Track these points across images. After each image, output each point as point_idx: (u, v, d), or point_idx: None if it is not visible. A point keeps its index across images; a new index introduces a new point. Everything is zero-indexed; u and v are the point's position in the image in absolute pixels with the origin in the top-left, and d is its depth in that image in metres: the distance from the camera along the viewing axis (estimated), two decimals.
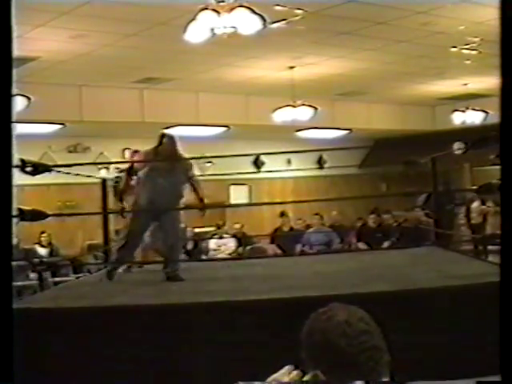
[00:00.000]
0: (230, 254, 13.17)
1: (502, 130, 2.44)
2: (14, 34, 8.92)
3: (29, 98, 10.12)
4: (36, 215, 6.11)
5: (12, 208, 2.60)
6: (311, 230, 13.28)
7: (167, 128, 14.01)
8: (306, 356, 1.97)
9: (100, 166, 12.83)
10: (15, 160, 6.06)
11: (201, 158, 11.95)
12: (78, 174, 8.06)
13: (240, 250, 13.56)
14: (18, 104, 10.04)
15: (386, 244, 11.92)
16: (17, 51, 9.90)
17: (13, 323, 2.57)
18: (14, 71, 10.18)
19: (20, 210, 5.54)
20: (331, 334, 1.93)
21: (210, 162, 14.37)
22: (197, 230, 14.79)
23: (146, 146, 14.91)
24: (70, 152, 14.35)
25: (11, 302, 2.55)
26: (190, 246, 14.02)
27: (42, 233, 13.18)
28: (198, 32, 7.38)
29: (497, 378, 2.29)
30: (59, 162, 11.09)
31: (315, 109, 12.59)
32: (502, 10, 2.42)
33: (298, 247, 12.60)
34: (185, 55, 10.35)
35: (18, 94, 9.92)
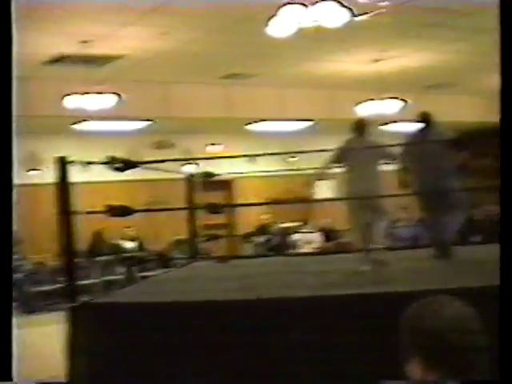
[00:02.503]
0: (316, 249, 13.12)
1: (502, 129, 2.45)
2: (103, 33, 9.06)
3: (119, 96, 10.30)
4: (124, 211, 6.21)
5: (12, 208, 2.61)
6: (400, 223, 13.10)
7: (251, 124, 14.09)
8: (408, 341, 1.97)
9: (184, 162, 12.97)
10: (104, 157, 6.18)
11: (286, 153, 11.94)
12: (164, 170, 8.15)
13: (327, 244, 13.51)
14: (108, 101, 10.24)
15: (476, 238, 11.63)
16: (105, 49, 10.12)
17: (12, 323, 2.60)
18: (103, 69, 10.42)
19: (109, 206, 5.64)
20: (442, 323, 1.92)
21: (294, 157, 14.35)
22: (285, 225, 14.82)
23: (231, 141, 15.11)
24: (157, 148, 14.56)
25: (11, 302, 2.58)
26: (276, 240, 14.05)
27: (130, 228, 13.44)
28: (283, 26, 7.34)
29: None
30: (146, 159, 11.27)
31: (404, 101, 12.39)
32: (501, 10, 2.45)
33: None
34: (270, 50, 10.33)
35: (108, 92, 10.13)
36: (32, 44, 9.38)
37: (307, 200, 13.70)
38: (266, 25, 7.46)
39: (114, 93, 10.28)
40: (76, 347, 5.70)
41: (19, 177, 10.81)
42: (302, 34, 7.50)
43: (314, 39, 9.11)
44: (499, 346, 2.30)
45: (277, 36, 7.64)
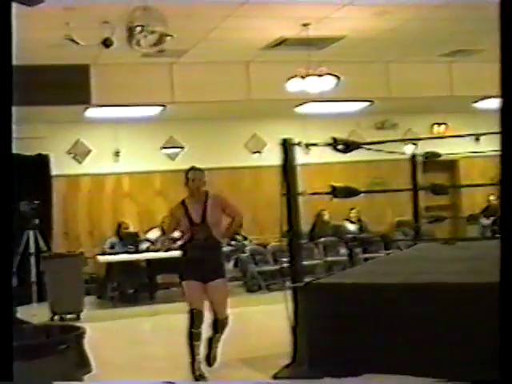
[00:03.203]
0: None
1: (502, 129, 2.42)
2: (321, 16, 9.08)
3: (338, 77, 10.31)
4: (349, 192, 6.20)
5: (12, 202, 2.56)
6: None
7: (477, 101, 13.52)
8: None
9: (406, 142, 12.73)
10: (327, 139, 6.20)
11: None
12: (386, 151, 8.04)
13: None
14: (329, 83, 10.29)
15: None
16: (324, 32, 10.14)
17: (12, 323, 2.56)
18: (323, 51, 10.47)
19: (333, 187, 5.66)
20: None
21: None
22: None
23: (455, 120, 14.62)
24: (378, 129, 14.43)
25: (11, 302, 2.55)
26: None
27: (352, 209, 13.45)
28: None
29: None
30: (367, 139, 11.21)
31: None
32: (501, 10, 2.41)
33: None
34: (494, 24, 9.83)
35: (327, 74, 10.17)
36: (253, 29, 9.65)
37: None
38: None
39: (334, 75, 10.30)
40: (300, 325, 5.79)
41: (245, 159, 11.14)
42: None
43: None
44: (499, 346, 2.27)
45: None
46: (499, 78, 2.48)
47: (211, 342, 6.23)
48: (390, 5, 8.91)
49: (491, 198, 14.26)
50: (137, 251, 11.93)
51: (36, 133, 11.87)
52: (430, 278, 5.81)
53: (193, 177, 6.14)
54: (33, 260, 10.62)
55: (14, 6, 2.54)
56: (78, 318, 9.85)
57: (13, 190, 2.51)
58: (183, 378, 6.01)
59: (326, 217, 13.44)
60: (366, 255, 12.77)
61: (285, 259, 8.15)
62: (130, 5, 7.07)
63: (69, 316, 9.92)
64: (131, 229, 12.56)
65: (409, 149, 11.17)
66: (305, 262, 6.54)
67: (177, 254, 11.87)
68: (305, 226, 10.63)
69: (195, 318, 5.95)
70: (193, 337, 5.96)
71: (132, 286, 11.95)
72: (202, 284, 6.02)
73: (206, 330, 6.12)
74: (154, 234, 12.32)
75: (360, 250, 13.07)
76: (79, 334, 3.82)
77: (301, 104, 12.22)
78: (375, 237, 13.53)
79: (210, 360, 6.21)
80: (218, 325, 6.18)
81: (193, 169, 6.26)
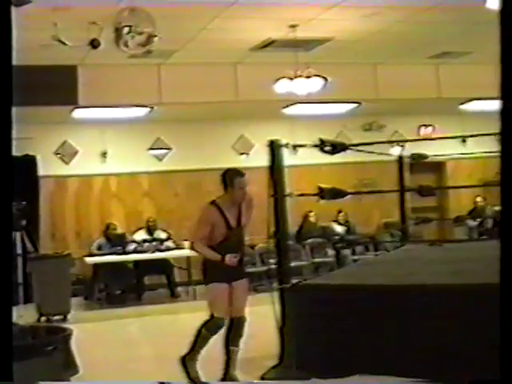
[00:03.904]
0: None
1: (502, 128, 2.41)
2: (308, 17, 9.04)
3: (325, 79, 10.33)
4: (336, 194, 6.21)
5: (11, 202, 2.56)
6: None
7: (464, 103, 13.56)
8: None
9: (393, 144, 12.77)
10: (313, 140, 6.20)
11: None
12: (373, 153, 8.06)
13: None
14: (316, 85, 10.30)
15: None
16: (312, 33, 10.16)
17: (12, 323, 2.57)
18: (310, 53, 10.48)
19: (320, 188, 5.67)
20: None
21: None
22: (499, 208, 14.17)
23: (442, 122, 14.67)
24: (366, 130, 14.46)
25: (11, 302, 2.55)
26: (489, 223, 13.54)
27: (340, 212, 13.46)
28: None
29: None
30: (355, 141, 11.23)
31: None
32: (502, 10, 2.42)
33: None
34: (481, 26, 9.87)
35: (314, 75, 10.19)
36: (241, 30, 9.65)
37: None
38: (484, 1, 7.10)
39: (322, 76, 10.32)
40: (287, 326, 5.79)
41: (232, 160, 11.13)
42: None
43: None
44: (499, 346, 2.27)
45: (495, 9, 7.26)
46: (499, 79, 2.54)
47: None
48: (378, 6, 8.94)
49: (478, 199, 14.31)
50: (124, 252, 11.91)
51: (23, 133, 11.78)
52: (417, 279, 5.83)
53: (243, 185, 5.77)
54: (19, 261, 10.58)
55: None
56: (64, 320, 9.82)
57: (12, 190, 2.51)
58: (170, 379, 5.99)
59: (314, 218, 13.45)
60: (355, 257, 12.81)
61: (272, 260, 8.16)
62: (117, 5, 7.06)
63: (56, 317, 9.89)
64: (119, 230, 12.54)
65: (396, 150, 11.20)
66: (292, 264, 6.54)
67: (163, 255, 12.01)
68: (292, 227, 10.66)
69: (219, 326, 5.78)
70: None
71: (119, 287, 11.93)
72: (228, 287, 5.81)
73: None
74: (140, 236, 12.32)
75: (347, 252, 13.10)
76: (66, 335, 3.81)
77: (288, 105, 12.23)
78: (362, 238, 13.56)
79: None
80: (235, 325, 5.92)
81: (240, 174, 5.82)
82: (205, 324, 5.79)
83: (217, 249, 5.73)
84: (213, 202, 5.84)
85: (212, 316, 5.78)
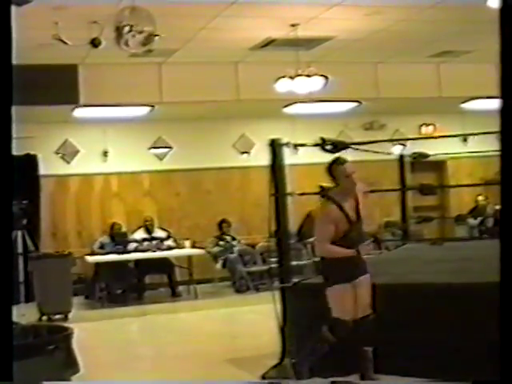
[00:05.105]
0: None
1: (502, 128, 2.41)
2: (310, 16, 9.00)
3: (326, 78, 10.32)
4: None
5: (12, 201, 2.56)
6: None
7: (465, 102, 13.55)
8: None
9: (394, 143, 12.76)
10: (314, 139, 6.20)
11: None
12: (374, 151, 8.06)
13: None
14: (317, 84, 10.30)
15: None
16: (313, 32, 10.14)
17: (12, 323, 2.56)
18: (311, 52, 10.44)
19: (321, 187, 5.66)
20: None
21: None
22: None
23: (443, 121, 14.66)
24: (367, 129, 14.45)
25: (11, 303, 2.55)
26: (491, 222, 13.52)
27: None
28: None
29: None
30: (356, 140, 11.23)
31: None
32: (502, 11, 2.43)
33: None
34: (482, 25, 9.86)
35: (315, 74, 10.18)
36: (241, 29, 9.65)
37: None
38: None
39: (323, 75, 10.31)
40: (288, 325, 5.79)
41: (233, 160, 11.13)
42: None
43: None
44: (499, 346, 2.27)
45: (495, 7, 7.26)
46: (499, 78, 2.54)
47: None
48: (379, 5, 8.93)
49: (479, 198, 14.30)
50: (125, 251, 11.91)
51: (24, 132, 11.80)
52: (418, 278, 5.83)
53: (347, 173, 5.32)
54: (21, 260, 10.58)
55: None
56: (66, 319, 9.82)
57: (13, 189, 2.51)
58: (170, 378, 6.00)
59: (313, 217, 13.42)
60: None
61: (273, 259, 8.15)
62: (118, 4, 7.06)
63: (57, 316, 9.89)
64: (123, 229, 12.56)
65: (397, 149, 11.21)
66: (293, 263, 6.54)
67: (164, 254, 12.02)
68: (293, 226, 10.64)
69: (345, 329, 5.24)
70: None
71: (120, 286, 11.93)
72: (350, 286, 5.28)
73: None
74: (139, 235, 12.32)
75: None
76: (67, 334, 3.81)
77: (289, 104, 12.23)
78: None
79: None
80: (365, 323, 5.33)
81: (340, 162, 5.37)
82: (330, 329, 5.28)
83: (339, 244, 5.28)
84: (328, 198, 5.43)
85: (336, 319, 5.28)
